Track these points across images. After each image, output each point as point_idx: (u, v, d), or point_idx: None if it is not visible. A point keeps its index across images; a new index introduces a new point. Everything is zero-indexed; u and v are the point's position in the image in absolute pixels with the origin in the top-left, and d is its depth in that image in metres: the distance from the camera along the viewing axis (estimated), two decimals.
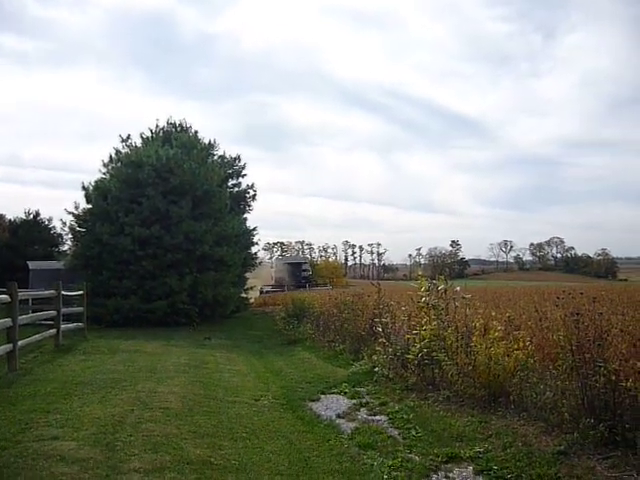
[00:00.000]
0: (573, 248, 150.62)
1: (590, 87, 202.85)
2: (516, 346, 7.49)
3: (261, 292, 46.57)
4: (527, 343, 7.65)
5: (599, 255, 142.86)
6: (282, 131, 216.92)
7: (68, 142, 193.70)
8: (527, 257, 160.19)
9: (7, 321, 9.38)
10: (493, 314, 8.91)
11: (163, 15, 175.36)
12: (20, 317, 9.93)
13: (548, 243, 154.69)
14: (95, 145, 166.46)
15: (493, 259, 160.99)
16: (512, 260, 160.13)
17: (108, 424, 6.18)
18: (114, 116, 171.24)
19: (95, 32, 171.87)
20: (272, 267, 64.15)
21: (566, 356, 6.30)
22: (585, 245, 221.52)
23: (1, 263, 44.02)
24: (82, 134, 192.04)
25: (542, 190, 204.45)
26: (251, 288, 34.72)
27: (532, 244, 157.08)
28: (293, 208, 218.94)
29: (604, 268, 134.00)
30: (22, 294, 10.69)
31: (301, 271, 60.96)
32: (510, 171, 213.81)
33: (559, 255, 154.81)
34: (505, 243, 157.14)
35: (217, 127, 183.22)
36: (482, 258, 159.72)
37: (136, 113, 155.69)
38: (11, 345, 9.43)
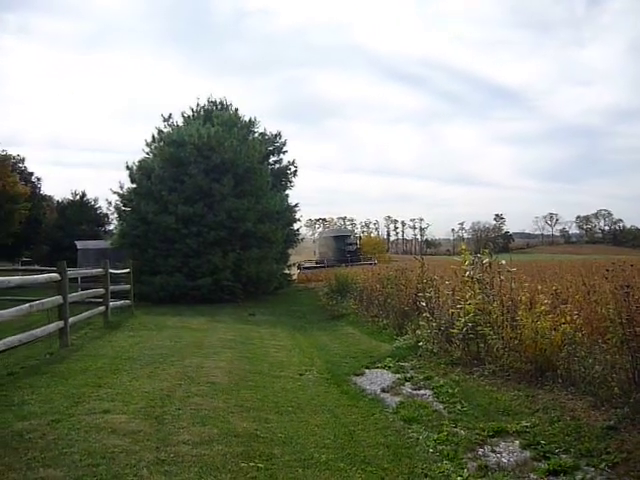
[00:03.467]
0: (622, 220, 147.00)
1: (636, 54, 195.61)
2: (563, 320, 7.37)
3: (299, 268, 42.92)
4: (575, 317, 7.50)
5: None
6: (319, 106, 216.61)
7: (111, 123, 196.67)
8: (573, 230, 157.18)
9: (58, 299, 9.62)
10: (539, 288, 8.77)
11: None
12: (70, 295, 10.17)
13: (595, 215, 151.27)
14: (137, 125, 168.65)
15: (538, 232, 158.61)
16: (558, 233, 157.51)
17: (157, 398, 6.31)
18: (155, 95, 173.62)
19: (131, 12, 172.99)
20: (314, 242, 61.25)
21: (616, 330, 6.17)
22: (634, 217, 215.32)
23: (50, 243, 45.27)
24: (124, 114, 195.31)
25: (588, 161, 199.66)
26: (294, 264, 34.79)
27: (579, 217, 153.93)
28: (334, 184, 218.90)
29: None
30: (71, 273, 10.93)
31: (346, 245, 54.24)
32: (554, 142, 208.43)
33: (607, 228, 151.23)
34: (550, 216, 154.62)
35: (254, 103, 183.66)
36: (527, 232, 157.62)
37: (176, 91, 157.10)
38: (62, 322, 9.68)
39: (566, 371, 6.80)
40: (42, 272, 13.11)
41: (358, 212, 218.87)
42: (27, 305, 8.46)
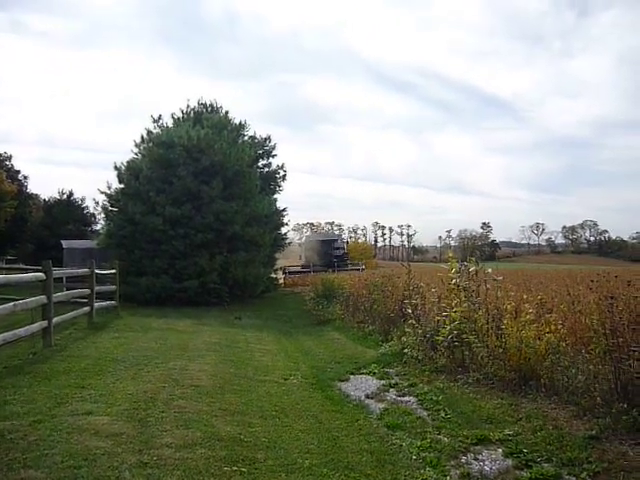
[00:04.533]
0: (607, 231, 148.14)
1: (626, 66, 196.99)
2: (548, 329, 7.43)
3: (284, 273, 41.37)
4: (559, 326, 7.57)
5: (634, 238, 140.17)
6: (311, 111, 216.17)
7: (101, 122, 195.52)
8: (559, 240, 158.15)
9: (42, 298, 9.55)
10: (525, 297, 8.82)
11: None
12: (55, 295, 10.11)
13: (581, 226, 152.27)
14: (128, 125, 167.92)
15: (524, 242, 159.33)
16: (544, 243, 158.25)
17: (140, 400, 6.28)
18: (145, 96, 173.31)
19: (123, 10, 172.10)
20: (301, 245, 59.85)
21: (599, 340, 6.23)
22: (619, 228, 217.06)
23: (36, 242, 44.96)
24: (115, 114, 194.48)
25: (576, 172, 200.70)
26: (280, 268, 34.68)
27: (564, 227, 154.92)
28: (322, 189, 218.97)
29: (638, 252, 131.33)
30: (56, 272, 10.86)
31: (333, 249, 52.08)
32: (543, 153, 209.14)
33: (592, 238, 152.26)
34: (537, 226, 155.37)
35: (246, 106, 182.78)
36: (513, 241, 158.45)
37: (166, 93, 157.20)
38: (46, 322, 9.61)
39: (549, 380, 6.85)
40: (27, 271, 13.03)
41: (348, 218, 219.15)
42: (11, 304, 8.41)
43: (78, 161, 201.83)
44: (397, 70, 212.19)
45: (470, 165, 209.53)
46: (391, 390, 7.79)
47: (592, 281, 8.14)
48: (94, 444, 4.73)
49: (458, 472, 4.71)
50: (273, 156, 31.28)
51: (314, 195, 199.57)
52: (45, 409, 5.77)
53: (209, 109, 28.76)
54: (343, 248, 56.24)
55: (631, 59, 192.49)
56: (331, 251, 51.70)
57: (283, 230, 31.93)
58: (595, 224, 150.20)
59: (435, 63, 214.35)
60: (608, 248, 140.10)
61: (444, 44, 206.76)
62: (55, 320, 10.07)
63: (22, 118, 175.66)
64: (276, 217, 29.59)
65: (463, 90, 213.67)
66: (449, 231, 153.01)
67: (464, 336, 8.36)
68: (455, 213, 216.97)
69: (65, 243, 35.34)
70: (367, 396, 7.51)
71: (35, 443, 4.70)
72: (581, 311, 8.32)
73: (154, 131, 26.85)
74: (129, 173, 24.93)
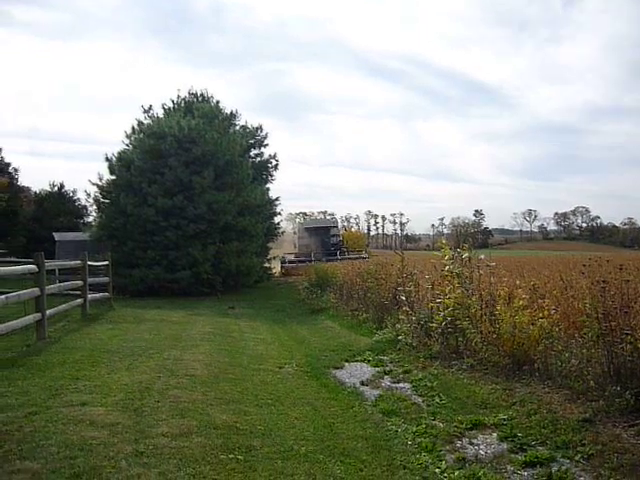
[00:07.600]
0: (599, 217, 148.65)
1: (612, 53, 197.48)
2: (541, 314, 7.44)
3: (283, 263, 39.38)
4: (552, 311, 7.58)
5: (625, 224, 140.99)
6: (299, 100, 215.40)
7: (90, 114, 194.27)
8: (551, 227, 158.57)
9: (35, 291, 9.51)
10: (518, 282, 8.84)
11: None
12: (48, 287, 10.06)
13: (573, 212, 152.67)
14: (117, 116, 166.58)
15: (517, 229, 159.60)
16: (536, 230, 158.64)
17: (135, 391, 6.28)
18: (135, 87, 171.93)
19: (110, 3, 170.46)
20: (295, 233, 55.98)
21: (592, 324, 6.25)
22: (611, 214, 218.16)
23: (28, 235, 44.66)
24: (104, 105, 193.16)
25: (566, 159, 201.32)
26: (274, 258, 34.59)
27: (557, 213, 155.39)
28: (313, 178, 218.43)
29: (630, 237, 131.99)
30: (49, 264, 10.80)
31: (329, 237, 47.93)
32: (533, 140, 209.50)
33: (584, 225, 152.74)
34: (529, 212, 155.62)
35: (233, 96, 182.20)
36: (506, 228, 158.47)
37: (156, 83, 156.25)
38: (40, 314, 9.57)
39: (543, 365, 6.87)
40: (19, 264, 12.96)
41: (339, 207, 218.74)
42: (3, 297, 8.35)
43: (69, 153, 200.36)
44: (385, 59, 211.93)
45: (458, 152, 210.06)
46: (386, 377, 7.82)
47: (584, 266, 8.15)
48: (90, 434, 4.72)
49: (453, 456, 4.73)
50: (265, 146, 31.30)
51: (305, 185, 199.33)
52: (40, 401, 5.75)
53: (200, 99, 28.60)
54: (339, 235, 52.19)
55: (617, 45, 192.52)
56: (327, 239, 47.83)
57: (276, 220, 32.02)
58: (587, 210, 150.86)
59: (423, 51, 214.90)
60: (600, 234, 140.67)
61: (431, 32, 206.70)
62: (48, 312, 10.03)
63: (9, 109, 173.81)
64: (269, 207, 29.62)
65: (451, 78, 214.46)
66: (442, 219, 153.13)
67: (458, 322, 8.38)
68: (446, 201, 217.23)
69: (57, 235, 35.13)
70: (362, 383, 7.53)
71: (30, 434, 4.69)
72: (574, 296, 8.34)
73: (145, 122, 26.74)
74: (120, 164, 24.82)
